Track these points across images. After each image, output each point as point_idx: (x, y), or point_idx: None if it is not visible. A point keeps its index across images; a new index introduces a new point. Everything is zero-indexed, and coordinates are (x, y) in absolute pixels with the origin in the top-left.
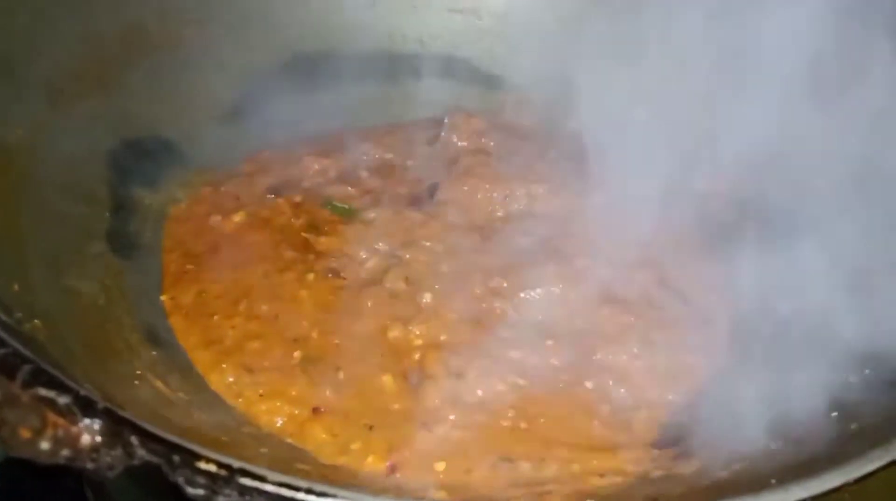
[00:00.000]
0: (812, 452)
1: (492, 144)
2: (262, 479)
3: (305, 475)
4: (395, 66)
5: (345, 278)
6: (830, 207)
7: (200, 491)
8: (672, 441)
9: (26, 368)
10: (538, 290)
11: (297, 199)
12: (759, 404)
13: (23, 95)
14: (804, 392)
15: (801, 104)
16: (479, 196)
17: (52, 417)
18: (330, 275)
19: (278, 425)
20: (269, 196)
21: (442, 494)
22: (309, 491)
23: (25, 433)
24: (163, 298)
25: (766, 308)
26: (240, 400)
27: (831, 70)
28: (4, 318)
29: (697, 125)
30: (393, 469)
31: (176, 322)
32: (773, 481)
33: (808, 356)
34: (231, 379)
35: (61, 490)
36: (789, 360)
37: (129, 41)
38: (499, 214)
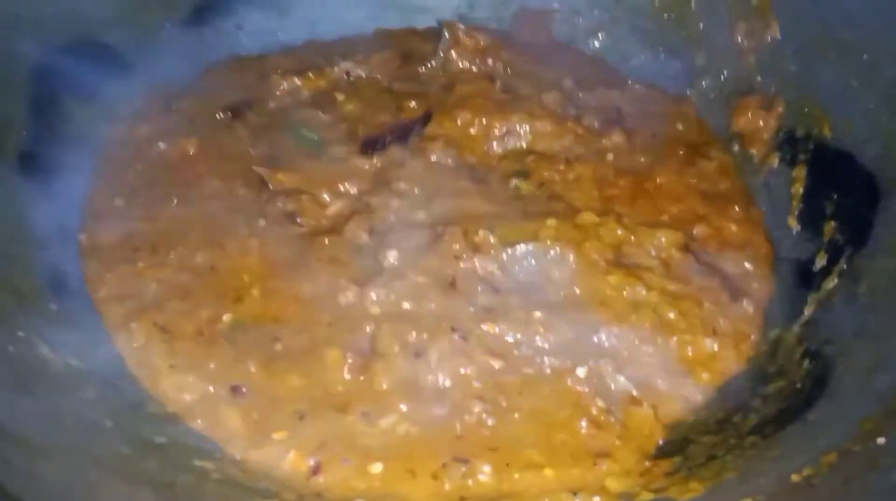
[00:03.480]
0: None
1: (498, 65)
2: None
3: (203, 475)
4: None
5: (301, 226)
6: None
7: None
8: (675, 448)
9: None
10: (530, 246)
11: (260, 122)
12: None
13: None
14: None
15: None
16: (473, 131)
17: None
18: (285, 220)
19: (186, 402)
20: (222, 115)
21: None
22: None
23: None
24: (80, 236)
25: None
26: (144, 371)
27: None
28: None
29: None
30: (316, 470)
31: (90, 267)
32: None
33: None
34: (140, 343)
35: None
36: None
37: None
38: (495, 152)
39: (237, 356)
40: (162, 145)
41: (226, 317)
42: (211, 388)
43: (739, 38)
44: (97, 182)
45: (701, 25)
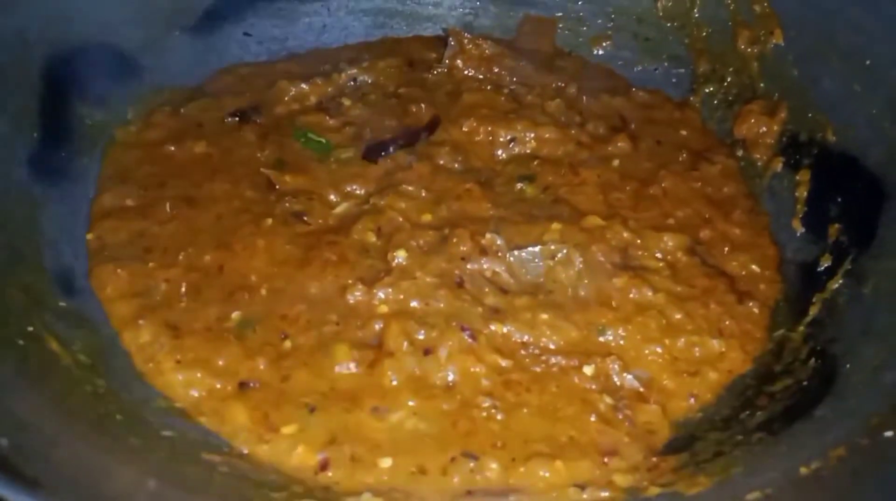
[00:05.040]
0: None
1: (503, 73)
2: None
3: (210, 468)
4: None
5: (308, 224)
6: None
7: None
8: (683, 444)
9: None
10: (537, 248)
11: (266, 127)
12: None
13: None
14: None
15: None
16: (478, 138)
17: None
18: (292, 220)
19: (193, 398)
20: (230, 119)
21: None
22: None
23: None
24: (88, 236)
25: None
26: (150, 365)
27: None
28: None
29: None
30: (324, 466)
31: (98, 267)
32: None
33: None
34: (147, 339)
35: None
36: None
37: None
38: (500, 157)
39: (246, 353)
40: (171, 148)
41: (234, 315)
42: (218, 384)
43: (742, 45)
44: (106, 184)
45: (704, 33)
